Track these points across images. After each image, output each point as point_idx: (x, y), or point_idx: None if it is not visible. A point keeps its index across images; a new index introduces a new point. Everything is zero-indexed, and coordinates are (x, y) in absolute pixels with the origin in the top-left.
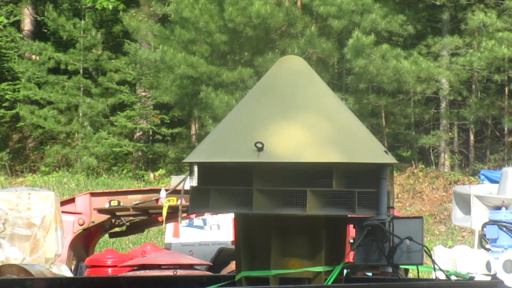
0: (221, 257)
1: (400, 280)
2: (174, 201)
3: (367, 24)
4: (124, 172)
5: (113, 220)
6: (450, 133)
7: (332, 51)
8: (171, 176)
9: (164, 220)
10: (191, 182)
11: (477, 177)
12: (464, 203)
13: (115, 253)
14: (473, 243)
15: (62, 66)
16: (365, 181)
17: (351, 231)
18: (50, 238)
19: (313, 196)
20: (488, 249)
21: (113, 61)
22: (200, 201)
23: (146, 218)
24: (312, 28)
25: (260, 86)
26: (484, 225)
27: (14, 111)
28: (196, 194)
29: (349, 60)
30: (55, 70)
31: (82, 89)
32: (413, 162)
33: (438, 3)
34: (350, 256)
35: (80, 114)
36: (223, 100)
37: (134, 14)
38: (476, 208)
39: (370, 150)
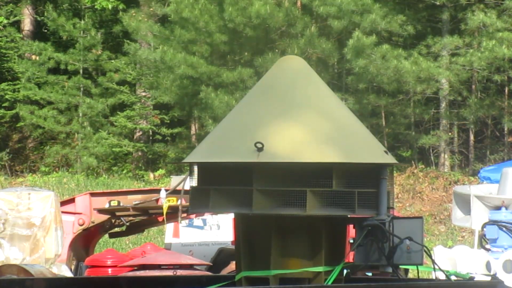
0: (221, 257)
1: (400, 280)
2: (174, 201)
3: (367, 24)
4: (124, 172)
5: (113, 220)
6: (450, 133)
7: (332, 51)
8: (171, 176)
9: (164, 220)
10: (191, 182)
11: (477, 177)
12: (464, 203)
13: (115, 253)
14: (473, 243)
15: (62, 66)
16: (365, 181)
17: (351, 231)
18: (50, 238)
19: (313, 196)
20: (488, 249)
21: (113, 61)
22: (200, 201)
23: (146, 218)
24: (312, 28)
25: (260, 86)
26: (484, 225)
27: (14, 111)
28: (196, 194)
29: (349, 60)
30: (55, 70)
31: (82, 89)
32: (413, 162)
33: (438, 3)
34: (350, 256)
35: (80, 114)
36: (223, 100)
37: (134, 14)
38: (476, 208)
39: (370, 150)
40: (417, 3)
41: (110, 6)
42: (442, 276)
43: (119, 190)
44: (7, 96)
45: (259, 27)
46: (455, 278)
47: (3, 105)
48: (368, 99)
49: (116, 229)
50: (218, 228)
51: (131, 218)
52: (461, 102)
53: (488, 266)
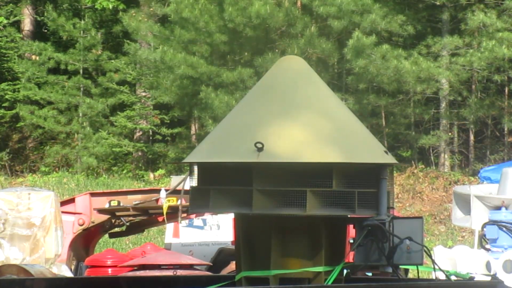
0: (221, 257)
1: (400, 280)
2: (174, 201)
3: (367, 24)
4: (124, 172)
5: (113, 220)
6: (450, 133)
7: (332, 51)
8: (171, 176)
9: (165, 219)
10: (191, 182)
11: (477, 177)
12: (464, 203)
13: (115, 253)
14: (473, 243)
15: (62, 66)
16: (365, 181)
17: (351, 231)
18: (50, 238)
19: (313, 196)
20: (488, 249)
21: (113, 61)
22: (200, 201)
23: (146, 218)
24: (312, 28)
25: (260, 86)
26: (484, 225)
27: (14, 111)
28: (196, 194)
29: (349, 61)
30: (55, 70)
31: (82, 89)
32: (413, 162)
33: (438, 3)
34: (350, 256)
35: (80, 114)
36: (223, 100)
37: (134, 14)
38: (476, 208)
39: (370, 150)
40: (417, 3)
41: (110, 6)
42: (442, 276)
43: (119, 190)
44: (7, 96)
45: (259, 27)
46: (455, 278)
47: (3, 105)
48: (368, 99)
49: (116, 229)
50: (218, 228)
51: (131, 218)
52: (461, 102)
53: (488, 266)
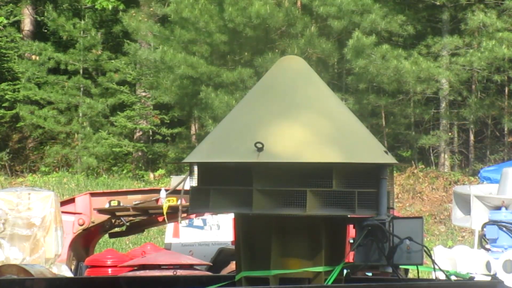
0: (221, 257)
1: (400, 280)
2: (174, 201)
3: (367, 24)
4: (124, 172)
5: (113, 220)
6: (450, 133)
7: (332, 51)
8: (171, 176)
9: (166, 219)
10: (191, 182)
11: (477, 177)
12: (464, 203)
13: (115, 253)
14: (473, 243)
15: (62, 66)
16: (365, 181)
17: (351, 231)
18: (50, 238)
19: (313, 196)
20: (488, 249)
21: (113, 61)
22: (200, 201)
23: (146, 218)
24: (312, 29)
25: (260, 86)
26: (484, 225)
27: (14, 111)
28: (196, 194)
29: (349, 61)
30: (55, 70)
31: (82, 89)
32: (413, 162)
33: (438, 3)
34: (350, 256)
35: (80, 114)
36: (223, 100)
37: (134, 14)
38: (476, 208)
39: (370, 150)
40: (417, 3)
41: (110, 6)
42: (442, 276)
43: (119, 190)
44: (7, 96)
45: (259, 27)
46: (455, 278)
47: (3, 105)
48: (368, 99)
49: (116, 229)
50: (218, 228)
51: (131, 218)
52: (461, 102)
53: (488, 266)
